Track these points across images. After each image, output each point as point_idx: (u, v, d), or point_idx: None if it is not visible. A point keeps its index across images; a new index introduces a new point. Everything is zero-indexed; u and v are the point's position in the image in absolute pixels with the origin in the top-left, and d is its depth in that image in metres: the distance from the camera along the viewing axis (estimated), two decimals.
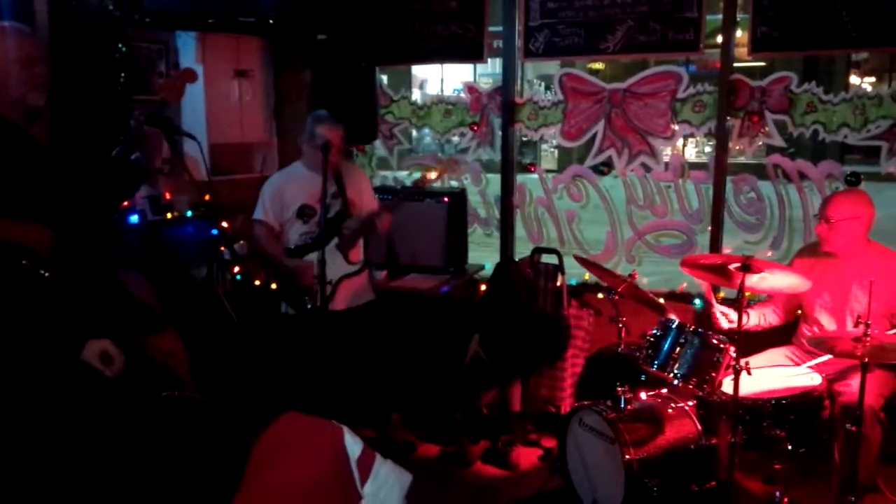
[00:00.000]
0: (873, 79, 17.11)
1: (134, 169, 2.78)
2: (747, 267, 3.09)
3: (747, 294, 3.23)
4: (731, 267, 3.19)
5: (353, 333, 3.87)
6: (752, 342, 3.60)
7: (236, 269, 4.29)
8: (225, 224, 4.16)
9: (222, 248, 4.29)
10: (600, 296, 4.42)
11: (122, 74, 4.03)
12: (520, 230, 4.87)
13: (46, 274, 2.44)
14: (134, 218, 4.09)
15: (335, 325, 3.79)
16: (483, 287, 4.64)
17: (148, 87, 4.23)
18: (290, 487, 1.92)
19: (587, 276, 4.51)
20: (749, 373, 3.03)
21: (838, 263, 3.45)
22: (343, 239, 3.85)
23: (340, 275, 3.82)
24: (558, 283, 4.25)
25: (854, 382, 2.92)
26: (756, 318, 3.65)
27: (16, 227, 2.40)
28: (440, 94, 8.60)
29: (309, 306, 3.73)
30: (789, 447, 3.10)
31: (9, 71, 2.45)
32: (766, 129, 4.12)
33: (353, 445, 2.00)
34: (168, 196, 4.29)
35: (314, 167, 3.80)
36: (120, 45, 4.03)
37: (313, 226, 3.85)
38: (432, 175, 3.88)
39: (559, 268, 4.27)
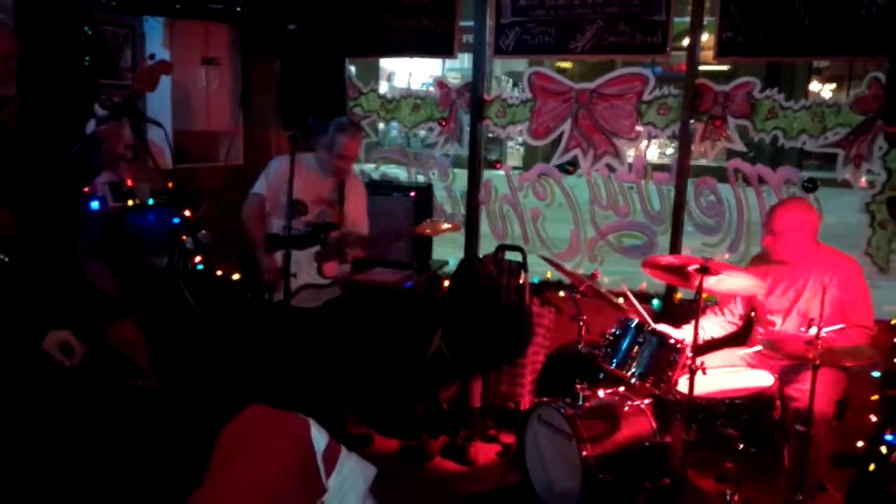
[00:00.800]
0: (833, 86, 17.46)
1: (89, 167, 2.76)
2: (706, 269, 3.16)
3: (704, 296, 3.30)
4: (690, 269, 3.25)
5: (315, 327, 3.86)
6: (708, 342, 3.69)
7: (198, 258, 4.25)
8: (188, 212, 4.13)
9: (184, 237, 4.24)
10: (562, 294, 4.47)
11: (87, 58, 3.97)
12: (484, 227, 4.90)
13: (6, 259, 2.41)
14: (94, 204, 4.04)
15: (297, 319, 3.78)
16: (447, 282, 4.66)
17: (114, 71, 4.18)
18: (254, 479, 1.93)
19: (549, 273, 4.56)
20: (704, 373, 3.10)
21: (789, 269, 3.54)
22: (323, 249, 3.83)
23: (308, 282, 3.80)
24: (521, 281, 4.29)
25: (806, 385, 2.99)
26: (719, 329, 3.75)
27: None
28: (408, 87, 8.63)
29: (266, 296, 3.72)
30: (741, 446, 3.17)
31: None
32: (728, 133, 4.19)
33: (319, 439, 2.02)
34: (130, 183, 4.24)
35: (325, 169, 3.82)
36: (86, 28, 3.97)
37: (299, 223, 3.83)
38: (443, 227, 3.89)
39: (523, 265, 4.32)
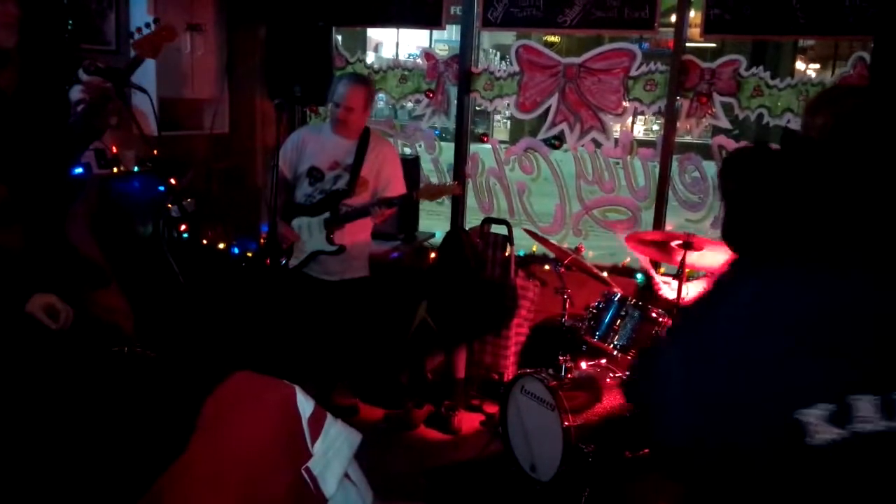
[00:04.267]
0: (818, 65, 17.54)
1: (89, 134, 2.72)
2: (689, 244, 3.20)
3: (687, 270, 3.34)
4: (674, 244, 3.29)
5: (333, 303, 3.89)
6: None
7: (183, 226, 4.24)
8: (173, 180, 4.11)
9: (169, 206, 4.23)
10: (546, 267, 4.50)
11: (70, 21, 3.91)
12: (470, 200, 4.91)
13: None
14: (78, 170, 4.00)
15: (306, 287, 3.80)
16: (433, 254, 4.68)
17: (97, 36, 4.12)
18: (240, 444, 1.94)
19: (535, 247, 4.58)
20: None
21: None
22: (334, 216, 3.79)
23: (316, 249, 3.80)
24: (507, 254, 4.33)
25: None
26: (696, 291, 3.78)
27: None
28: (395, 58, 8.51)
29: (283, 262, 3.73)
30: None
31: None
32: (713, 110, 4.22)
33: (305, 405, 2.03)
34: (114, 150, 4.20)
35: (338, 130, 3.77)
36: None
37: (315, 192, 3.81)
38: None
39: (508, 238, 4.34)
